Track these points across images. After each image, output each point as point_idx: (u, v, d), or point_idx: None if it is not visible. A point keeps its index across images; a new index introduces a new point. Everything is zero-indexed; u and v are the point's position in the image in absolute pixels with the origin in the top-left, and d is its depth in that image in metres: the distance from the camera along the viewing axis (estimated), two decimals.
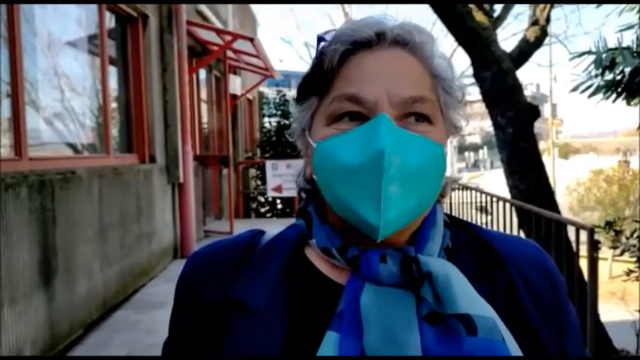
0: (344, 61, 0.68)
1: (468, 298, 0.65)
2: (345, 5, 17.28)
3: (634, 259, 4.42)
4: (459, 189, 6.60)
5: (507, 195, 5.44)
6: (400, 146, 0.63)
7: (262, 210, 10.89)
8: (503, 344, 0.63)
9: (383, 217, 0.62)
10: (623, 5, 3.78)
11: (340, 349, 0.63)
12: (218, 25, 8.73)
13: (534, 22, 6.49)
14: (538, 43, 6.56)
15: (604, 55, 3.44)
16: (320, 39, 0.72)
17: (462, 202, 6.43)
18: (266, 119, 13.06)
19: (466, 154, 57.86)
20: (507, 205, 4.82)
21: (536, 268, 0.75)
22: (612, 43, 3.51)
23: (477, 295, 0.66)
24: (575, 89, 3.64)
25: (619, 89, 3.47)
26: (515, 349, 0.64)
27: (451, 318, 0.64)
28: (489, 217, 5.42)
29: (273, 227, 0.84)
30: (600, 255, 3.46)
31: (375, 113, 0.66)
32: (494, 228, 4.72)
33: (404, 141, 0.64)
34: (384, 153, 0.62)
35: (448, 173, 0.75)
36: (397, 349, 0.62)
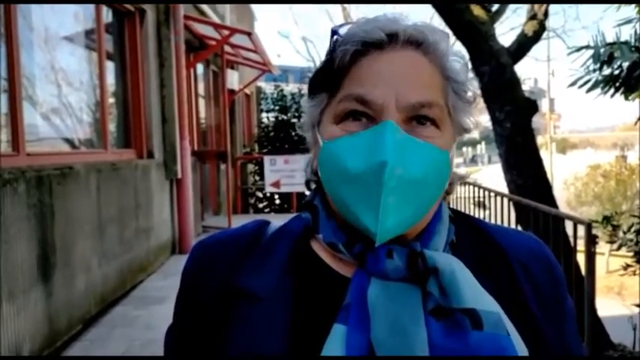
0: (355, 61, 0.68)
1: (473, 292, 0.66)
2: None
3: (631, 254, 4.44)
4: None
5: (505, 190, 5.45)
6: (404, 155, 0.64)
7: (260, 205, 10.89)
8: (508, 338, 0.64)
9: (380, 225, 0.63)
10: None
11: (348, 342, 0.64)
12: (215, 19, 8.70)
13: (532, 17, 6.48)
14: (536, 37, 6.55)
15: (602, 50, 3.44)
16: (334, 32, 0.71)
17: (460, 197, 6.44)
18: (264, 114, 13.03)
19: (464, 149, 57.90)
20: (505, 200, 4.83)
21: (538, 262, 0.76)
22: (610, 38, 3.51)
23: (482, 289, 0.67)
24: (573, 84, 3.65)
25: (617, 84, 3.48)
26: (519, 344, 0.64)
27: (457, 312, 0.64)
28: (487, 212, 5.43)
29: (281, 221, 0.84)
30: (597, 250, 3.47)
31: (381, 116, 0.66)
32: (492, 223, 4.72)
33: (408, 149, 0.65)
34: (385, 165, 0.62)
35: (461, 171, 0.76)
36: (404, 343, 0.63)
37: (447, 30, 5.72)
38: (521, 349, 0.64)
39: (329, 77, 0.70)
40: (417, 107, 0.67)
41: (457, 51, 0.72)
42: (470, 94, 0.73)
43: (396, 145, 0.63)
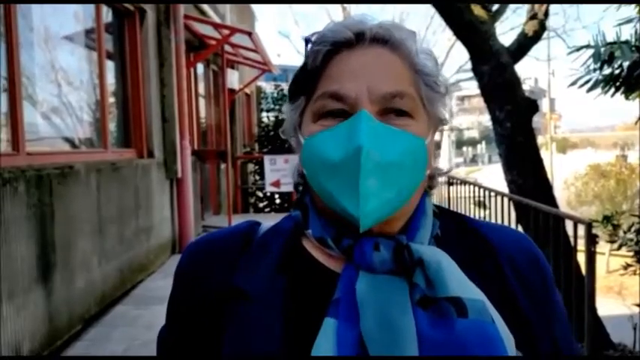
0: (327, 61, 0.72)
1: (458, 282, 0.67)
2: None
3: (631, 254, 4.44)
4: (457, 183, 6.60)
5: (505, 190, 5.45)
6: (378, 140, 0.66)
7: (260, 205, 10.89)
8: (493, 325, 0.65)
9: (361, 208, 0.64)
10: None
11: (338, 335, 0.65)
12: (216, 19, 8.69)
13: (533, 16, 6.48)
14: (536, 37, 6.56)
15: (602, 49, 3.44)
16: (307, 41, 0.75)
17: (460, 197, 6.43)
18: (264, 114, 13.04)
19: (464, 148, 57.89)
20: (505, 199, 4.83)
21: (525, 256, 0.77)
22: (611, 37, 3.51)
23: (467, 279, 0.68)
24: (573, 84, 3.65)
25: (617, 83, 3.48)
26: (504, 330, 0.66)
27: (442, 301, 0.66)
28: (487, 212, 5.42)
29: (271, 222, 0.85)
30: (598, 249, 3.47)
31: (356, 109, 0.68)
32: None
33: (382, 135, 0.67)
34: (361, 149, 0.64)
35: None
36: (393, 333, 0.64)
37: (448, 30, 5.72)
38: (507, 336, 0.65)
39: (305, 79, 0.74)
40: (389, 98, 0.69)
41: (424, 48, 0.75)
42: (442, 86, 0.75)
43: (371, 131, 0.66)
